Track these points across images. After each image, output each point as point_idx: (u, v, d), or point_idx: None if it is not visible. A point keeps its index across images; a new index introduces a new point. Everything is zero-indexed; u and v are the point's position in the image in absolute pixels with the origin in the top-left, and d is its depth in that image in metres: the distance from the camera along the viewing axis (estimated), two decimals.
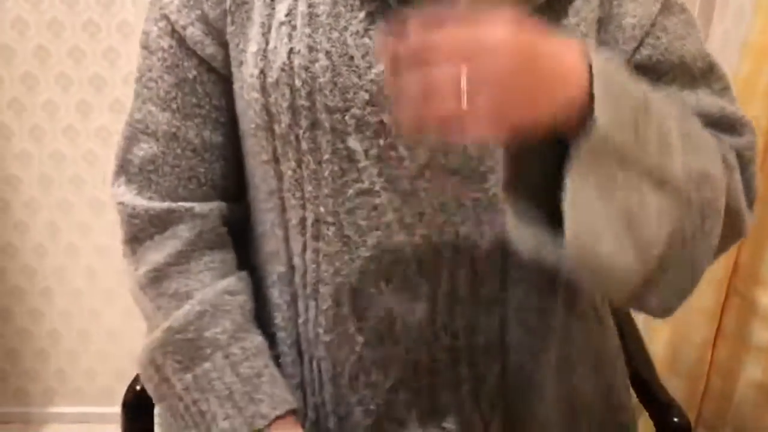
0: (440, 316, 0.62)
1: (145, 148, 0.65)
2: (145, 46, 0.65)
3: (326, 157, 0.58)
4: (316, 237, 0.60)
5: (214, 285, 0.64)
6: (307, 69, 0.56)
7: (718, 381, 1.04)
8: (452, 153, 0.57)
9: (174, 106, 0.64)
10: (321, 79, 0.56)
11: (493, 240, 0.60)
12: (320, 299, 0.62)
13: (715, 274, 0.99)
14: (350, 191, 0.59)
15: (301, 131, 0.58)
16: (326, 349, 0.62)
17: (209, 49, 0.62)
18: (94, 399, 1.70)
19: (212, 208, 0.66)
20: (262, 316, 0.67)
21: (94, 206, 1.54)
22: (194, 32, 0.62)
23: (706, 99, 0.63)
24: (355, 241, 0.60)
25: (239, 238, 0.69)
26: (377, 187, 0.58)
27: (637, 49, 0.61)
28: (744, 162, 0.62)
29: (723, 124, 0.62)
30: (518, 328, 0.63)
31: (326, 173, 0.58)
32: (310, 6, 0.57)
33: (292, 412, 0.62)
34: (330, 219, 0.59)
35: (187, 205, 0.65)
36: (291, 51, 0.57)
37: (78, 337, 1.65)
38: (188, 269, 0.65)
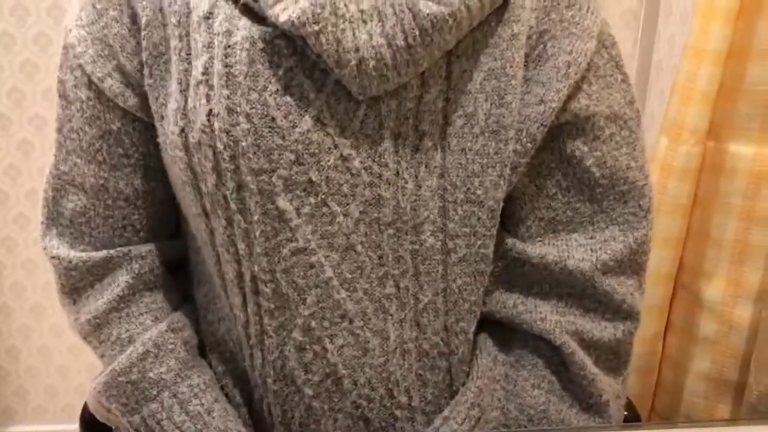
0: (393, 374, 0.60)
1: (74, 200, 0.63)
2: (62, 95, 0.62)
3: (256, 217, 0.56)
4: (255, 292, 0.58)
5: (157, 325, 0.63)
6: (228, 132, 0.54)
7: (669, 374, 1.06)
8: (385, 206, 0.57)
9: (100, 158, 0.61)
10: (243, 143, 0.54)
11: (433, 293, 0.60)
12: (266, 350, 0.60)
13: (662, 269, 1.01)
14: (285, 251, 0.56)
15: (228, 192, 0.55)
16: (275, 396, 0.61)
17: (131, 100, 0.60)
18: (55, 417, 1.67)
19: (150, 249, 0.65)
20: (205, 348, 0.66)
21: None
22: (113, 84, 0.59)
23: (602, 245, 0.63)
24: (294, 299, 0.58)
25: (181, 271, 0.68)
26: (312, 245, 0.56)
27: (574, 94, 0.59)
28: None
29: (605, 308, 0.64)
30: (464, 378, 0.63)
31: (258, 233, 0.56)
32: (226, 66, 0.54)
33: None
34: (266, 277, 0.57)
35: (125, 249, 0.64)
36: (210, 113, 0.54)
37: (38, 353, 1.63)
38: (129, 314, 0.64)
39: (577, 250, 0.62)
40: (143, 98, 0.60)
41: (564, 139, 0.61)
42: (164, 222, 0.66)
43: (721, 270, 0.98)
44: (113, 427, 0.69)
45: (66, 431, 1.64)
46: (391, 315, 0.59)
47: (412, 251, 0.58)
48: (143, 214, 0.64)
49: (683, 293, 1.04)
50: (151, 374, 0.61)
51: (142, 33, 0.57)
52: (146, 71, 0.58)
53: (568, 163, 0.62)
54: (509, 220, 0.65)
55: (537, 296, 0.64)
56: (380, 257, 0.58)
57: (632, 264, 0.64)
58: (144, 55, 0.58)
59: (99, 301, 0.63)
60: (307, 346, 0.59)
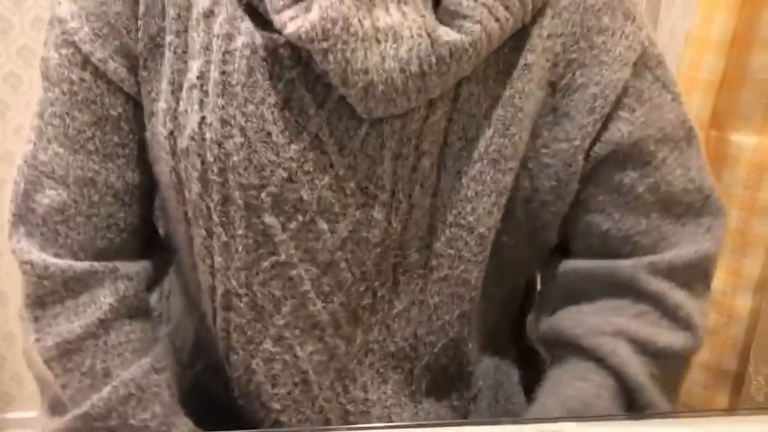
0: (352, 372, 0.59)
1: (51, 196, 0.55)
2: (46, 76, 0.54)
3: (239, 232, 0.53)
4: (227, 308, 0.55)
5: (138, 361, 0.56)
6: (219, 145, 0.51)
7: None
8: (375, 227, 0.54)
9: (91, 147, 0.55)
10: (235, 157, 0.51)
11: (408, 302, 0.58)
12: (231, 368, 0.57)
13: None
14: (265, 264, 0.54)
15: (212, 204, 0.52)
16: (241, 409, 0.59)
17: (133, 86, 0.54)
18: None
19: (138, 270, 0.58)
20: (187, 328, 0.64)
21: None
22: (117, 67, 0.53)
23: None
24: (269, 310, 0.55)
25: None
26: (294, 260, 0.54)
27: (604, 126, 0.56)
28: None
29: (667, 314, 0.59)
30: (427, 381, 0.62)
31: (239, 247, 0.53)
32: (223, 73, 0.50)
33: None
34: (242, 291, 0.54)
35: (110, 265, 0.56)
36: (203, 120, 0.51)
37: None
38: (107, 342, 0.55)
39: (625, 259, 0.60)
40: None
41: (610, 170, 0.58)
42: (147, 223, 0.61)
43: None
44: None
45: None
46: (363, 321, 0.57)
47: (395, 264, 0.56)
48: (128, 212, 0.58)
49: None
50: (133, 420, 0.55)
51: (139, 22, 0.53)
52: (141, 62, 0.53)
53: (618, 193, 0.58)
54: (559, 249, 0.63)
55: (583, 307, 0.61)
56: (363, 273, 0.55)
57: (686, 275, 0.59)
58: (139, 46, 0.53)
59: (74, 323, 0.55)
60: (277, 356, 0.56)
